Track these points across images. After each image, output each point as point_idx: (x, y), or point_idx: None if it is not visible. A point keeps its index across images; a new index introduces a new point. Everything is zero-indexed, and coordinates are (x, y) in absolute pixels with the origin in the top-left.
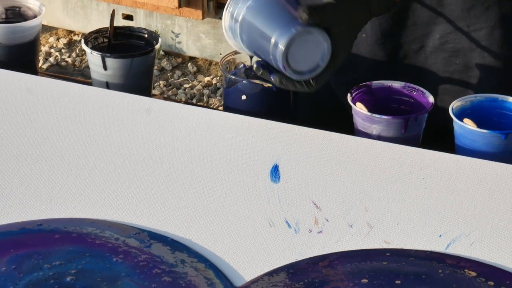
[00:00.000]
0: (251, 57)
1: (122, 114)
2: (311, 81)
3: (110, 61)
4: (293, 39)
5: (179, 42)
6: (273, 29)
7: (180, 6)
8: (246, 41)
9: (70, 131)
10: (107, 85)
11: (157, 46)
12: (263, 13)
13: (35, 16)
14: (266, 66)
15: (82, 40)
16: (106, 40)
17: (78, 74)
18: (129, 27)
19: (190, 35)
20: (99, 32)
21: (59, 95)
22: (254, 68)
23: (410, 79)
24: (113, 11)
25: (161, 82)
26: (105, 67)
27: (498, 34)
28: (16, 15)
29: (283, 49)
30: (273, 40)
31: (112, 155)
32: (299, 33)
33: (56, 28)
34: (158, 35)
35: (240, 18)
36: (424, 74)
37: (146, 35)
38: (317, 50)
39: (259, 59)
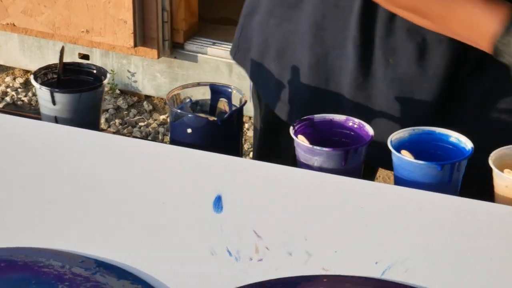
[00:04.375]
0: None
1: (70, 147)
2: None
3: (58, 96)
4: None
5: (135, 81)
6: None
7: (135, 45)
8: None
9: (18, 164)
10: (56, 120)
11: (105, 81)
12: None
13: None
14: None
15: (32, 76)
16: (55, 76)
17: (34, 113)
18: (78, 63)
19: (146, 74)
20: (48, 68)
21: (7, 129)
22: None
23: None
24: (63, 48)
25: (117, 121)
26: (54, 102)
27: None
28: None
29: None
30: None
31: (59, 186)
32: None
33: (13, 68)
34: (107, 71)
35: None
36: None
37: (94, 71)
38: None
39: None
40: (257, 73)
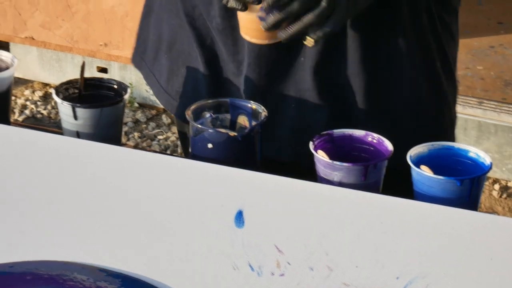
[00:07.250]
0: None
1: (92, 162)
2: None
3: (80, 111)
4: None
5: (153, 94)
6: None
7: None
8: None
9: (40, 178)
10: (78, 135)
11: (126, 97)
12: None
13: (7, 68)
14: None
15: (53, 91)
16: (76, 91)
17: (54, 126)
18: (99, 78)
19: None
20: (70, 83)
21: (29, 144)
22: None
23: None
24: (83, 63)
25: (136, 134)
26: (75, 117)
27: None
28: None
29: None
30: None
31: (81, 201)
32: None
33: (32, 81)
34: (127, 86)
35: None
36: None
37: (115, 86)
38: None
39: None
40: (151, 70)
